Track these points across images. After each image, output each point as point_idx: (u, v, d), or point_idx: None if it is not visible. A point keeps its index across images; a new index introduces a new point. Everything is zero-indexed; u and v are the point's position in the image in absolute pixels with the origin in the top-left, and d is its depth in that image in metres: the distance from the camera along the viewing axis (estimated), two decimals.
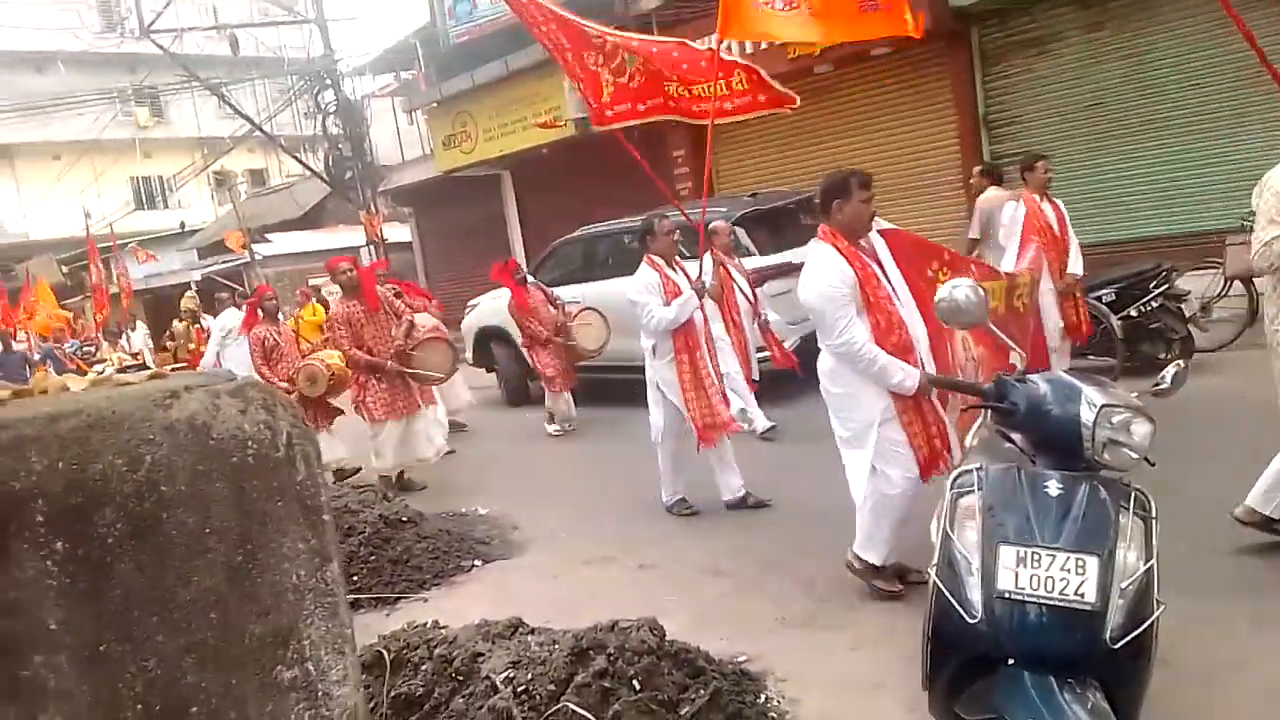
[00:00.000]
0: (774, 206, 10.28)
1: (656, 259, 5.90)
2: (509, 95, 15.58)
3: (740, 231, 9.74)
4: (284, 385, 7.84)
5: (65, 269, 26.23)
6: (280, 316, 8.65)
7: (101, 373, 11.22)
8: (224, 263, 22.09)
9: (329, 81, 17.01)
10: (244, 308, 9.95)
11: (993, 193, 8.12)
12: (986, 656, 2.48)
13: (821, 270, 4.10)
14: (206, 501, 0.80)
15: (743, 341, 8.12)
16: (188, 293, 13.94)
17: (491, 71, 15.42)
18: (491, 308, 12.53)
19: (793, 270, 9.24)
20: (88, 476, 0.74)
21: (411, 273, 20.57)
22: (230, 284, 19.28)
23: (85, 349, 16.33)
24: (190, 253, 25.82)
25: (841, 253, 4.07)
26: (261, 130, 17.42)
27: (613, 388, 9.50)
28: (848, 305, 4.01)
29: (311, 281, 20.45)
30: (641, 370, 6.23)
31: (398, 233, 20.58)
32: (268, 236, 21.90)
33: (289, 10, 18.33)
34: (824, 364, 4.26)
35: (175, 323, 16.10)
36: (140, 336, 17.50)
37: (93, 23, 29.40)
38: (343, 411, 8.19)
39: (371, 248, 18.19)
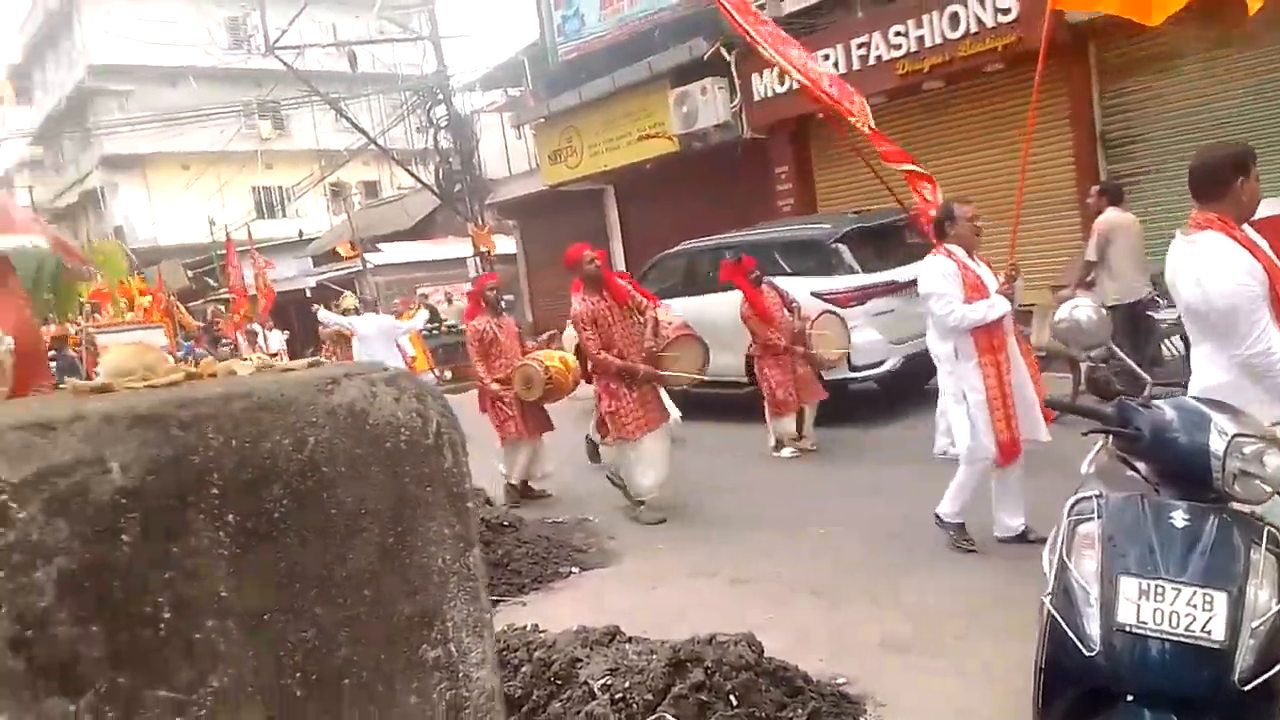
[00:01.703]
0: (879, 224, 10.12)
1: (954, 248, 5.08)
2: (615, 111, 15.78)
3: (843, 249, 9.65)
4: (496, 385, 7.42)
5: (190, 274, 27.57)
6: (502, 308, 8.05)
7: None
8: (337, 270, 22.89)
9: (441, 97, 17.50)
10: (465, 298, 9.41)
11: (1112, 213, 7.85)
12: (1104, 691, 2.39)
13: (1225, 264, 3.32)
14: (363, 484, 0.85)
15: None
16: (346, 294, 14.36)
17: (599, 87, 15.65)
18: None
19: (897, 289, 9.14)
20: (258, 454, 0.79)
21: (515, 284, 20.97)
22: (339, 289, 19.97)
23: (224, 347, 17.12)
24: (306, 260, 26.84)
25: (1240, 243, 3.37)
26: (376, 144, 18.05)
27: (706, 402, 9.48)
28: (1261, 305, 3.29)
29: (420, 290, 21.03)
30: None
31: (503, 244, 21.00)
32: (379, 246, 22.61)
33: (404, 28, 18.93)
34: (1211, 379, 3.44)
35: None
36: (277, 337, 18.20)
37: (222, 40, 30.92)
38: (553, 427, 7.73)
39: (478, 259, 18.61)
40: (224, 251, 21.59)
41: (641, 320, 6.65)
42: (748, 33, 7.44)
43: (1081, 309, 2.96)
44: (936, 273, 5.03)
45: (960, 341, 5.02)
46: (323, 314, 12.24)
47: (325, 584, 0.83)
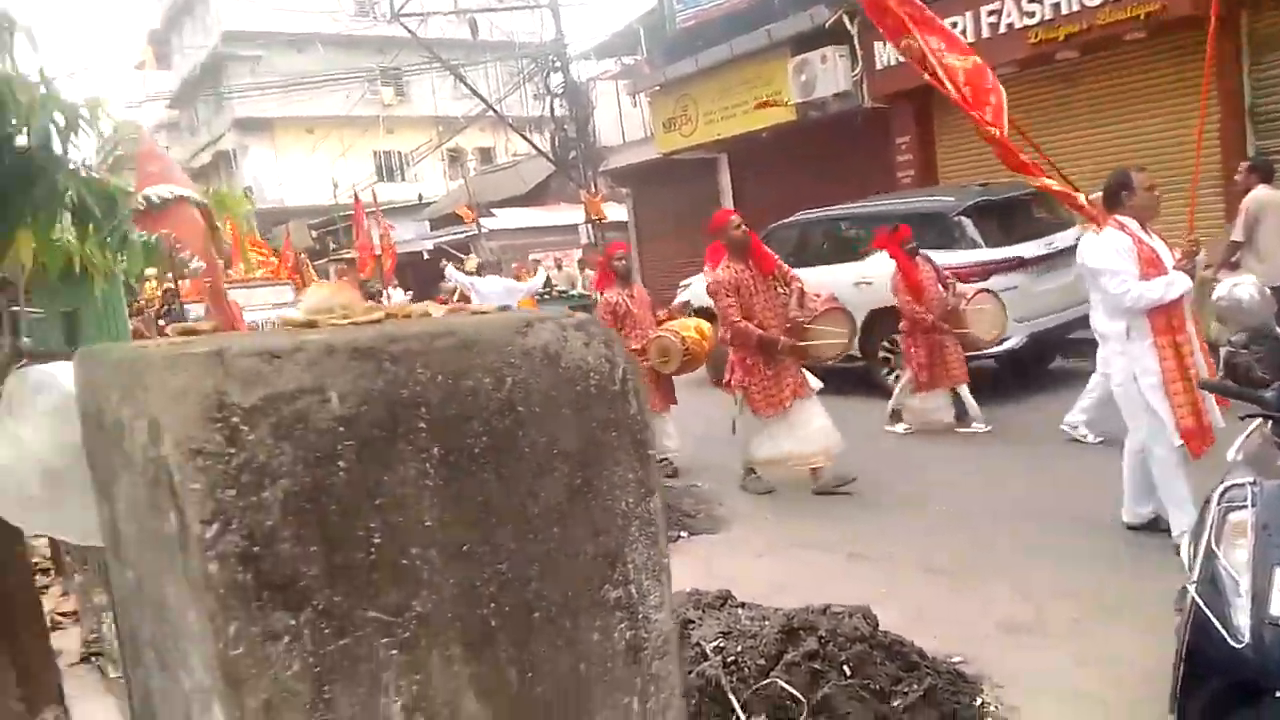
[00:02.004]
0: (1005, 198, 9.77)
1: (1127, 220, 4.71)
2: (731, 79, 15.60)
3: (967, 222, 9.37)
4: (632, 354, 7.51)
5: (314, 234, 28.59)
6: (631, 279, 7.86)
7: None
8: (453, 234, 23.39)
9: (558, 65, 17.60)
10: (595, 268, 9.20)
11: (1262, 191, 7.40)
12: (1251, 685, 2.29)
13: None
14: (554, 425, 0.87)
15: None
16: (471, 255, 14.64)
17: (715, 55, 15.48)
18: (701, 290, 12.70)
19: (1022, 265, 8.84)
20: (461, 391, 0.82)
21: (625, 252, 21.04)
22: (457, 253, 20.42)
23: None
24: (423, 223, 27.51)
25: None
26: (494, 110, 18.32)
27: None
28: None
29: (532, 256, 21.32)
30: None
31: (614, 212, 21.09)
32: (494, 211, 23.00)
33: None
34: None
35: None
36: (400, 296, 18.74)
37: (348, 7, 31.73)
38: (677, 401, 7.64)
39: (590, 226, 18.75)
40: (346, 213, 22.31)
41: (786, 291, 6.39)
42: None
43: (1243, 286, 2.79)
44: (1109, 247, 4.65)
45: (1134, 321, 4.65)
46: (450, 271, 12.52)
47: (519, 520, 0.86)
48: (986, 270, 8.81)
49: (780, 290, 6.42)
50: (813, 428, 6.34)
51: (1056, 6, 11.16)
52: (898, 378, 9.35)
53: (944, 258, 9.03)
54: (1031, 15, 11.42)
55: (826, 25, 13.49)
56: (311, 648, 0.77)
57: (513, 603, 0.85)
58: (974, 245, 9.29)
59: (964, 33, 12.05)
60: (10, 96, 2.94)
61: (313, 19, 30.96)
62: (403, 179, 34.23)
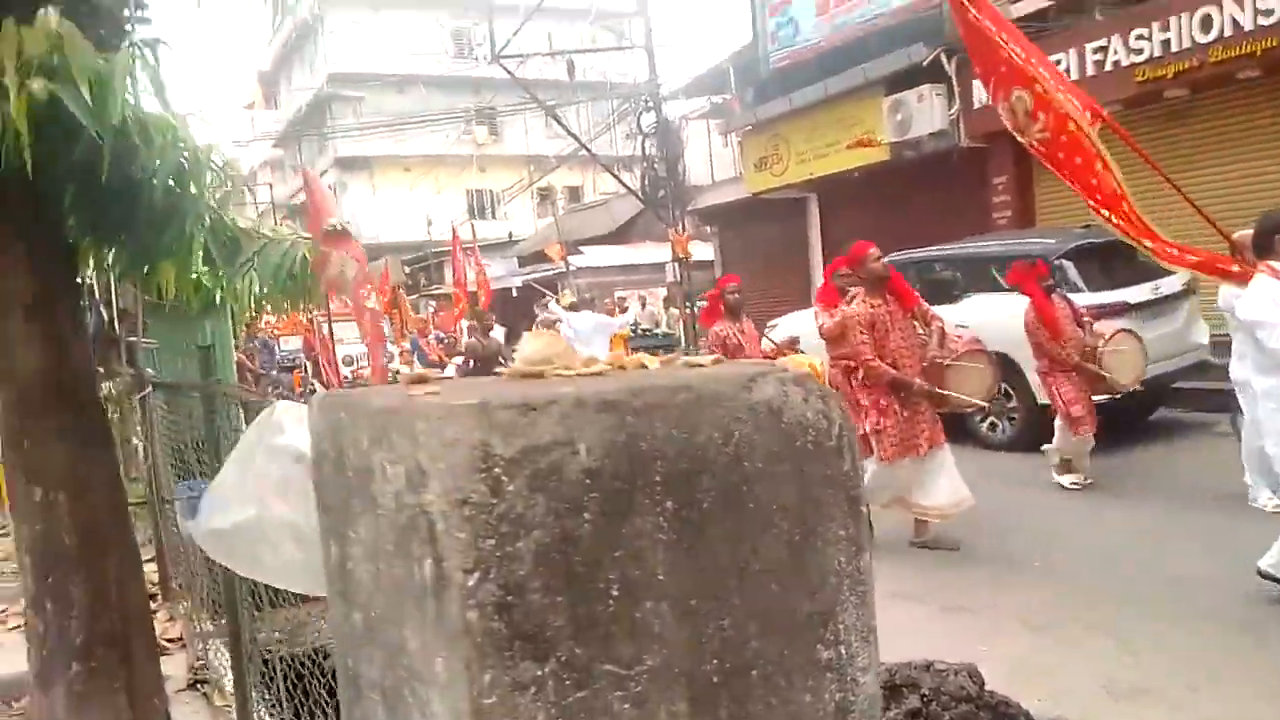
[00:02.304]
0: (1109, 241, 9.52)
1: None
2: (824, 118, 15.60)
3: (1069, 265, 9.16)
4: None
5: (407, 270, 29.36)
6: (742, 313, 7.66)
7: (459, 365, 12.44)
8: (542, 271, 23.76)
9: (651, 105, 17.84)
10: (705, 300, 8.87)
11: None
12: None
13: None
14: (776, 481, 0.87)
15: None
16: (565, 291, 14.84)
17: (809, 94, 15.52)
18: (790, 331, 12.63)
19: (1127, 310, 8.58)
20: (694, 445, 0.83)
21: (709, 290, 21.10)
22: (545, 290, 20.72)
23: (447, 339, 17.99)
24: (512, 260, 28.03)
25: None
26: (588, 150, 18.61)
27: None
28: None
29: (618, 294, 21.50)
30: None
31: (700, 251, 21.18)
32: (581, 249, 23.32)
33: (619, 35, 19.43)
34: None
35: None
36: (499, 333, 19.07)
37: (448, 48, 32.77)
38: None
39: (676, 265, 18.84)
40: (438, 250, 22.86)
41: (925, 330, 6.09)
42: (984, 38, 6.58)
43: None
44: (1266, 297, 4.43)
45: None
46: (553, 305, 12.72)
47: (742, 576, 0.87)
48: (1091, 316, 8.59)
49: (919, 329, 6.13)
50: (943, 480, 5.99)
51: (1166, 43, 10.91)
52: (994, 426, 9.05)
53: None
54: (1139, 52, 11.18)
55: (925, 63, 13.41)
56: (554, 698, 0.78)
57: (734, 660, 0.86)
58: (1076, 289, 9.07)
59: (1067, 70, 11.86)
60: (145, 137, 3.09)
61: (414, 60, 32.02)
62: (493, 216, 34.98)
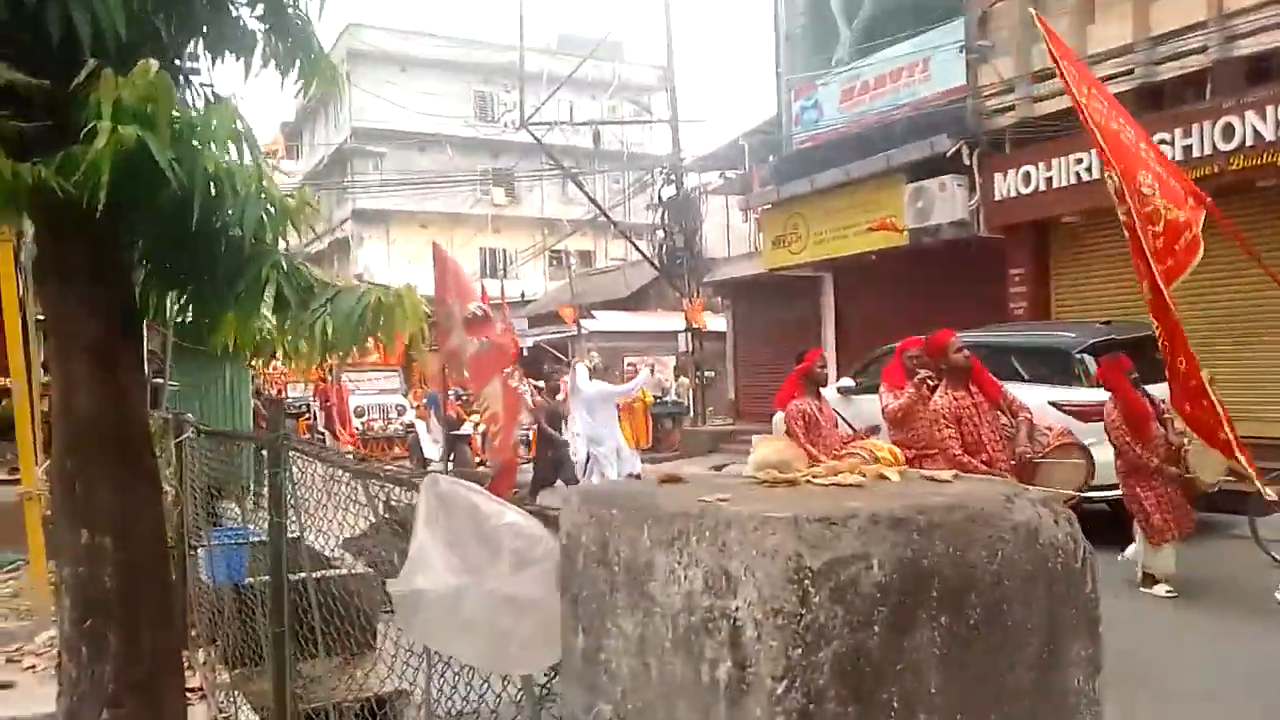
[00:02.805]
0: (1130, 338, 9.63)
1: None
2: (844, 200, 15.85)
3: (1090, 360, 9.23)
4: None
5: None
6: (820, 391, 7.24)
7: (478, 424, 12.40)
8: (553, 333, 23.86)
9: (673, 177, 18.14)
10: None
11: None
12: None
13: None
14: (1030, 600, 0.90)
15: None
16: (592, 354, 14.78)
17: (831, 177, 15.79)
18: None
19: (1151, 408, 8.61)
20: (965, 563, 0.86)
21: (720, 362, 21.21)
22: (556, 352, 20.80)
23: (463, 395, 17.87)
24: (523, 320, 28.15)
25: None
26: (607, 217, 18.88)
27: None
28: None
29: (628, 360, 21.59)
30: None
31: (713, 322, 21.32)
32: (593, 313, 23.46)
33: (642, 108, 19.84)
34: None
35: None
36: (527, 388, 18.97)
37: (469, 112, 33.40)
38: None
39: (689, 334, 18.97)
40: (497, 303, 22.96)
41: (1012, 422, 5.78)
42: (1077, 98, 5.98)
43: None
44: None
45: None
46: (581, 370, 12.72)
47: (999, 692, 0.89)
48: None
49: (1006, 421, 5.82)
50: None
51: (1189, 148, 11.16)
52: None
53: (1062, 394, 8.88)
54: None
55: (947, 154, 13.67)
56: None
57: None
58: (1096, 384, 9.12)
59: (1088, 169, 12.10)
60: (231, 188, 3.15)
61: (435, 121, 32.59)
62: (505, 276, 35.28)
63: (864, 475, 1.02)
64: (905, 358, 7.11)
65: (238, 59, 3.66)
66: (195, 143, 2.97)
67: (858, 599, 0.82)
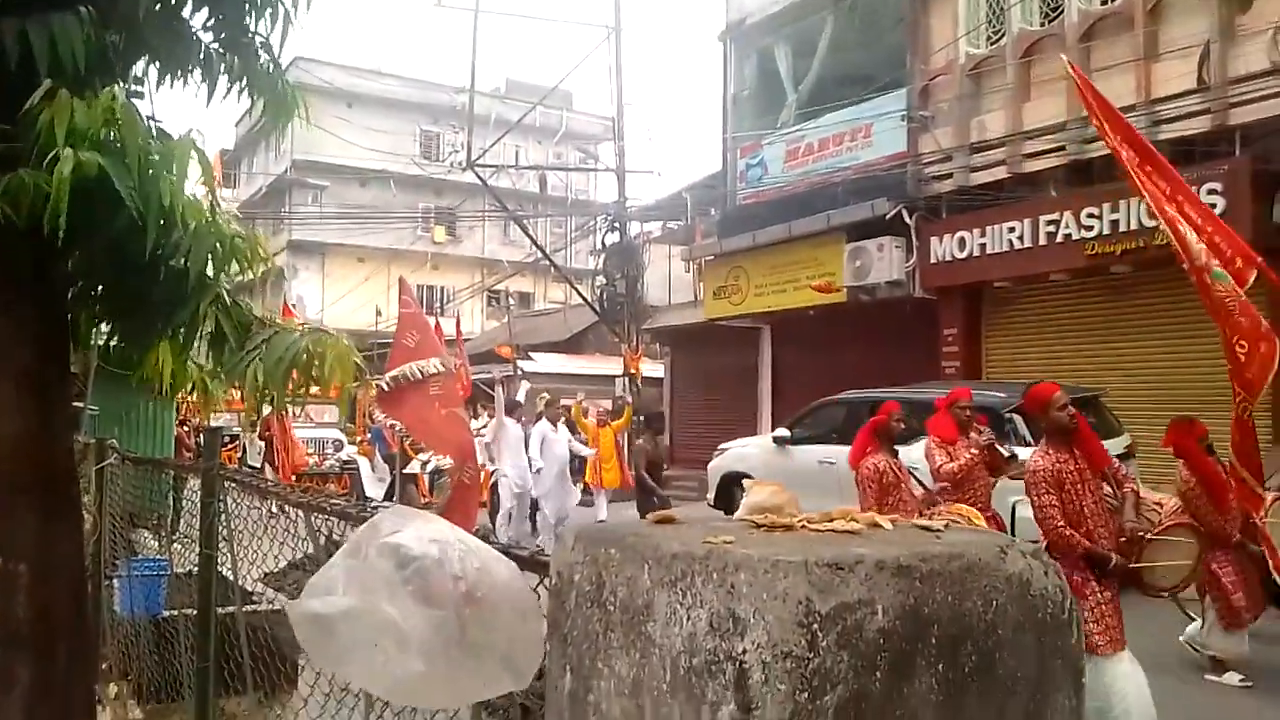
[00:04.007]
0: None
1: None
2: (785, 257, 16.14)
3: (1018, 420, 9.47)
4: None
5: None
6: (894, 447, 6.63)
7: (425, 462, 12.15)
8: (488, 373, 23.70)
9: (616, 225, 18.28)
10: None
11: None
12: None
13: None
14: (1020, 650, 0.91)
15: None
16: (580, 397, 14.36)
17: (773, 233, 16.08)
18: (738, 454, 12.79)
19: None
20: (960, 611, 0.87)
21: (656, 408, 21.26)
22: (489, 390, 20.62)
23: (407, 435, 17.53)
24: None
25: None
26: (550, 260, 18.90)
27: None
28: None
29: (564, 401, 21.49)
30: None
31: (651, 369, 21.40)
32: (531, 354, 23.38)
33: (590, 156, 20.02)
34: None
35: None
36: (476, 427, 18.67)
37: (414, 151, 33.31)
38: None
39: (626, 379, 19.00)
40: (385, 340, 22.70)
41: (1116, 495, 5.10)
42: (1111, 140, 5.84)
43: None
44: None
45: None
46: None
47: None
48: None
49: (1109, 491, 5.14)
50: (1136, 680, 4.73)
51: (1115, 223, 11.61)
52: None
53: None
54: (1090, 229, 11.86)
55: (886, 217, 14.04)
56: None
57: None
58: (1025, 443, 9.34)
59: (1020, 237, 12.54)
60: (182, 220, 3.09)
61: (379, 157, 32.43)
62: (442, 314, 34.99)
63: (856, 520, 1.03)
64: (955, 410, 6.61)
65: (187, 81, 3.61)
66: (152, 173, 2.91)
67: (862, 644, 0.82)
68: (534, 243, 18.84)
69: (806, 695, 0.80)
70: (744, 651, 0.81)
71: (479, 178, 17.24)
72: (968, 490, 6.36)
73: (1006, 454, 7.16)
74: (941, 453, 6.41)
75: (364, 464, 15.59)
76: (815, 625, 0.81)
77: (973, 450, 6.39)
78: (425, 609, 1.28)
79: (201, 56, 3.55)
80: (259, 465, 16.60)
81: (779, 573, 0.82)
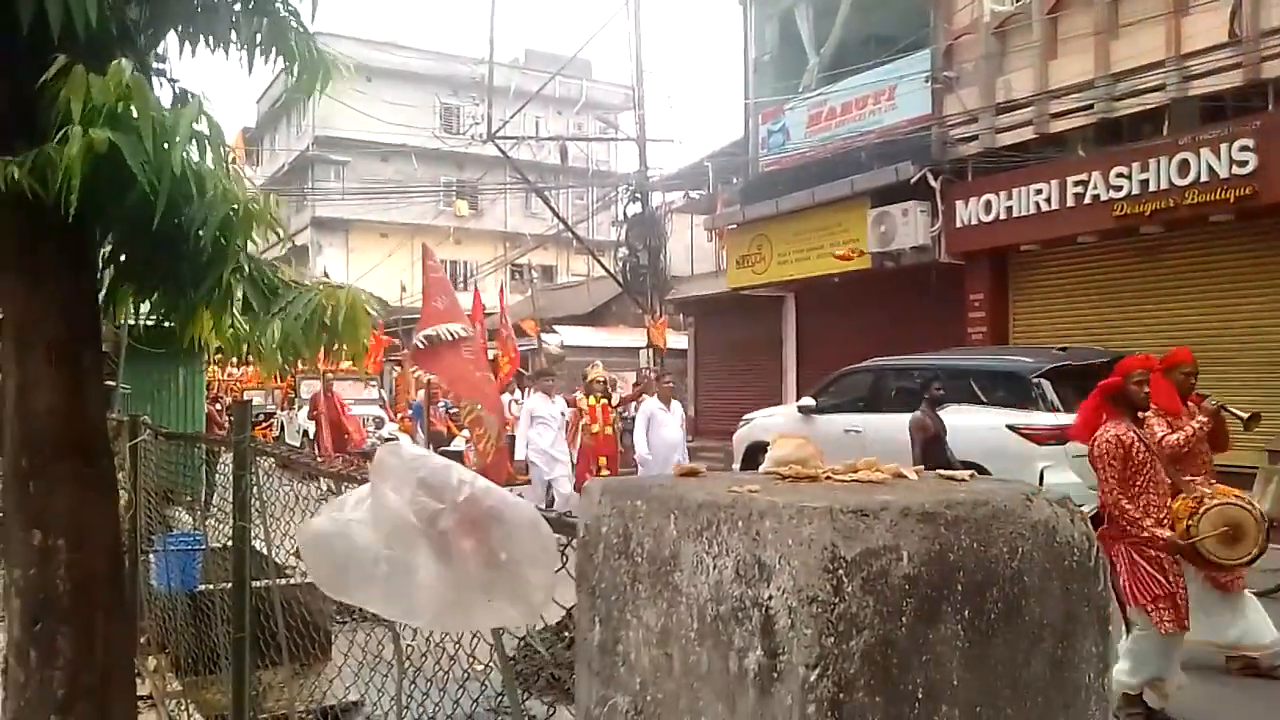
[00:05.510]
0: (1086, 364, 9.81)
1: None
2: (809, 223, 16.03)
3: (1046, 385, 9.40)
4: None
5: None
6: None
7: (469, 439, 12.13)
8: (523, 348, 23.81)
9: (638, 195, 18.20)
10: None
11: None
12: None
13: None
14: (1046, 597, 0.92)
15: None
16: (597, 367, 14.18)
17: (796, 200, 15.96)
18: (763, 424, 12.78)
19: None
20: (987, 558, 0.88)
21: (682, 379, 21.26)
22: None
23: (454, 410, 17.52)
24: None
25: None
26: (573, 232, 18.87)
27: None
28: None
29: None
30: None
31: (675, 340, 21.38)
32: (555, 328, 23.42)
33: (611, 126, 19.91)
34: None
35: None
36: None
37: (435, 124, 33.28)
38: None
39: (650, 351, 19.00)
40: (410, 316, 22.79)
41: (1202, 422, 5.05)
42: None
43: None
44: None
45: None
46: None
47: (1015, 686, 0.90)
48: (1064, 434, 8.79)
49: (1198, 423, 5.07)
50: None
51: (1145, 183, 11.44)
52: None
53: (1019, 418, 9.04)
54: (1119, 189, 11.69)
55: (911, 181, 13.89)
56: None
57: None
58: (1052, 408, 9.28)
59: (1048, 199, 12.38)
60: (197, 189, 3.11)
61: (401, 131, 32.45)
62: (465, 289, 35.12)
63: (879, 470, 1.04)
64: (1175, 374, 5.84)
65: (213, 49, 3.62)
66: (164, 144, 2.92)
67: (887, 590, 0.83)
68: (556, 215, 18.81)
69: (832, 640, 0.80)
70: (770, 598, 0.81)
71: (500, 150, 17.20)
72: (1188, 467, 5.49)
73: (1245, 416, 6.30)
74: (1162, 423, 5.51)
75: (405, 441, 15.60)
76: (840, 571, 0.81)
77: (1200, 420, 5.56)
78: (434, 504, 1.29)
79: (234, 21, 3.55)
80: (298, 446, 16.61)
81: (804, 519, 0.82)
